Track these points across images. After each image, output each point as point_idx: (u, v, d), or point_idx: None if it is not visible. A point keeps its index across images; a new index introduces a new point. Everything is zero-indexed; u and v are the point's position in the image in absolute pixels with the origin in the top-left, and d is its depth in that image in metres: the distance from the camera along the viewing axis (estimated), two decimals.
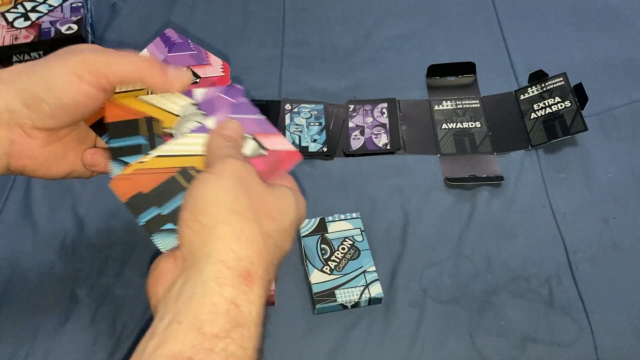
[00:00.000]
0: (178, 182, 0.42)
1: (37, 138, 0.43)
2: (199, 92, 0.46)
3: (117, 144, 0.44)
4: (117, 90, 0.47)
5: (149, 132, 0.44)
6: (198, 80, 0.49)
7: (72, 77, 0.41)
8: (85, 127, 0.47)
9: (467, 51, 0.77)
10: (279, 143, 0.44)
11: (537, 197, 0.63)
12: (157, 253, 0.38)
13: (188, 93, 0.46)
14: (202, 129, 0.43)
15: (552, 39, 0.78)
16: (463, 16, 0.82)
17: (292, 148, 0.44)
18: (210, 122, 0.44)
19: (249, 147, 0.44)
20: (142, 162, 0.42)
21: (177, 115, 0.45)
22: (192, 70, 0.49)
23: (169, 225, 0.40)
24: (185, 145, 0.43)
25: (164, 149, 0.42)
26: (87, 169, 0.47)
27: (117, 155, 0.44)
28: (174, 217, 0.40)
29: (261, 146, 0.44)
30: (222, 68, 0.50)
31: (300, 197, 0.42)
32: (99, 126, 0.47)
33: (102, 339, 0.54)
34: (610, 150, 0.67)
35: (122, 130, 0.44)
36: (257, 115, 0.45)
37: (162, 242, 0.41)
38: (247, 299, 0.35)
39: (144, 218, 0.41)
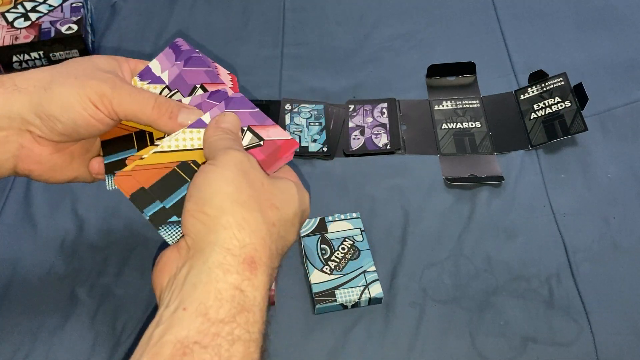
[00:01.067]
0: (179, 176, 0.42)
1: (46, 146, 0.44)
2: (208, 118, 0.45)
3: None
4: None
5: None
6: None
7: (89, 104, 0.42)
8: (92, 137, 0.47)
9: (467, 51, 0.77)
10: (275, 133, 0.45)
11: (537, 197, 0.63)
12: (158, 253, 0.38)
13: (199, 124, 0.44)
14: (198, 123, 0.44)
15: (552, 39, 0.78)
16: (463, 16, 0.82)
17: (288, 136, 0.45)
18: (206, 117, 0.44)
19: (246, 138, 0.44)
20: (141, 158, 0.43)
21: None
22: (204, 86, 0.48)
23: (174, 218, 0.41)
24: (182, 140, 0.43)
25: (162, 145, 0.43)
26: (93, 176, 0.48)
27: None
28: (177, 209, 0.41)
29: (257, 136, 0.44)
30: (231, 81, 0.50)
31: (303, 190, 0.43)
32: (109, 145, 0.47)
33: (102, 339, 0.54)
34: (610, 150, 0.67)
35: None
36: (251, 108, 0.45)
37: (168, 234, 0.41)
38: (252, 285, 0.36)
39: (149, 212, 0.41)
